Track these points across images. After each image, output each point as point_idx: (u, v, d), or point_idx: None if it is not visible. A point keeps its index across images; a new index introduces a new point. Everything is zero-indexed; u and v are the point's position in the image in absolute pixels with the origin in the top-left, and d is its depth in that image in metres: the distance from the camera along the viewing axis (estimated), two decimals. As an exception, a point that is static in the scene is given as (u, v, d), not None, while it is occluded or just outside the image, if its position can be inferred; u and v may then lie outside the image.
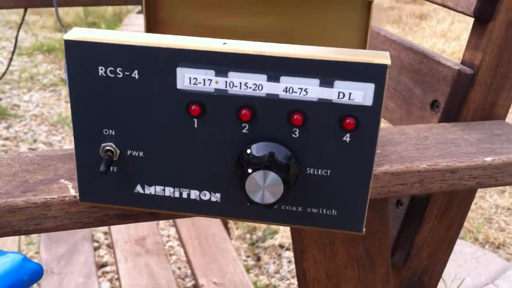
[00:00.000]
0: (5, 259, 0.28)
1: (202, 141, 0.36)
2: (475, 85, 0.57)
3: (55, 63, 3.08)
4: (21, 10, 1.17)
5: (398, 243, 0.63)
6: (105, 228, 1.78)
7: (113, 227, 1.16)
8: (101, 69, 0.34)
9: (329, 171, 0.36)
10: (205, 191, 0.37)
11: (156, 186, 0.38)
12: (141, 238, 1.12)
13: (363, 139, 0.34)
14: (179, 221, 1.16)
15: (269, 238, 1.81)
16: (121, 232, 1.13)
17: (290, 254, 1.75)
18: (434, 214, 0.62)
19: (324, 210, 0.37)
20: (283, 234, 1.82)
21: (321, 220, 0.37)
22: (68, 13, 3.61)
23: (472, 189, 0.61)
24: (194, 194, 0.38)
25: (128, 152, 0.37)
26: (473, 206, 2.04)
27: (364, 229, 0.38)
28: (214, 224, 1.15)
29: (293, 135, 0.35)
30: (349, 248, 0.53)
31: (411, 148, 0.51)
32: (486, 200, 2.10)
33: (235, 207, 0.37)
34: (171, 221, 1.85)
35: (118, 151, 0.37)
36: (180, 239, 1.12)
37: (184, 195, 0.38)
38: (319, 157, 0.35)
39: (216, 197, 0.37)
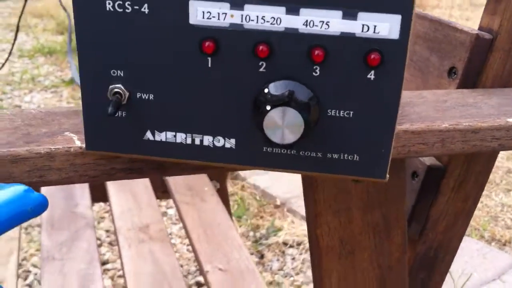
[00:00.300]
0: (7, 189, 0.26)
1: (216, 81, 0.34)
2: (493, 51, 0.55)
3: (56, 65, 3.06)
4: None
5: (413, 215, 0.60)
6: (107, 226, 1.76)
7: (116, 215, 1.14)
8: (109, 3, 0.32)
9: (351, 112, 0.34)
10: (219, 137, 0.35)
11: (167, 132, 0.35)
12: (145, 225, 1.10)
13: (389, 76, 0.32)
14: (184, 210, 1.14)
15: (272, 236, 1.79)
16: (124, 220, 1.11)
17: (293, 251, 1.73)
18: (450, 186, 0.60)
19: (346, 155, 0.35)
20: (287, 231, 1.80)
21: (342, 167, 0.35)
22: (70, 15, 3.60)
23: (491, 159, 0.59)
24: (207, 140, 0.35)
25: (138, 94, 0.35)
26: (479, 205, 2.02)
27: (388, 176, 0.35)
28: (219, 214, 1.13)
29: (313, 73, 0.33)
30: (365, 214, 0.50)
31: (430, 109, 0.49)
32: (492, 199, 2.08)
33: (251, 153, 0.35)
34: (176, 213, 1.83)
35: (127, 93, 0.34)
36: (185, 227, 1.10)
37: (197, 141, 0.35)
38: (341, 97, 0.33)
39: (230, 143, 0.35)
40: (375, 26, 0.31)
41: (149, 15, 0.32)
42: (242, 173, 2.10)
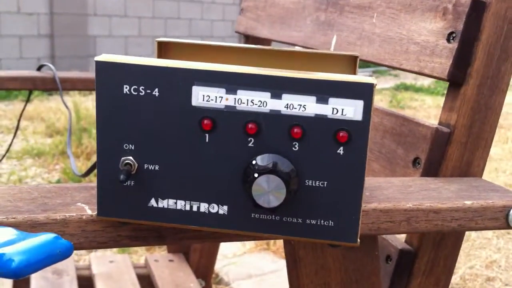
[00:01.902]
0: (40, 236, 0.31)
1: (212, 155, 0.40)
2: (451, 143, 0.62)
3: (44, 166, 3.12)
4: (13, 116, 1.23)
5: (388, 297, 0.65)
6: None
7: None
8: (126, 87, 0.39)
9: (325, 182, 0.40)
10: (213, 204, 0.41)
11: (169, 200, 0.41)
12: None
13: (355, 151, 0.39)
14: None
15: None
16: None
17: None
18: (422, 269, 0.65)
19: (322, 221, 0.40)
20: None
21: (319, 232, 0.41)
22: (60, 118, 3.72)
23: (457, 243, 0.65)
24: (203, 207, 0.41)
25: (145, 165, 0.41)
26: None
27: (358, 240, 0.41)
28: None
29: (293, 148, 0.39)
30: (342, 289, 0.55)
31: (397, 192, 0.55)
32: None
33: (241, 219, 0.41)
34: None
35: (136, 165, 0.41)
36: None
37: (194, 208, 0.41)
38: (316, 169, 0.40)
39: (223, 209, 0.41)
40: (342, 109, 0.38)
41: (159, 97, 0.39)
42: (225, 277, 2.10)
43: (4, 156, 1.31)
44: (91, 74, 1.23)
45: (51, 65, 1.14)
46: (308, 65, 0.54)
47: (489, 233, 2.44)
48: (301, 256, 0.53)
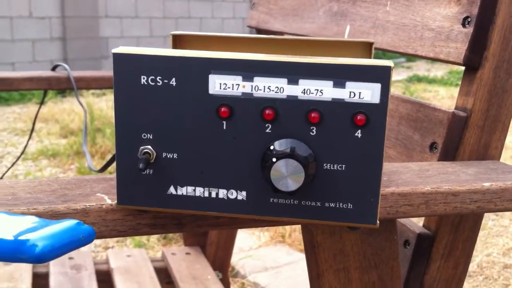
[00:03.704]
0: (63, 222, 0.32)
1: (229, 141, 0.40)
2: (468, 127, 0.62)
3: (59, 166, 3.14)
4: (28, 118, 1.24)
5: (408, 283, 0.65)
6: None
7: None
8: (143, 78, 0.40)
9: (343, 165, 0.40)
10: (232, 190, 0.41)
11: (188, 187, 0.42)
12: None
13: (372, 134, 0.39)
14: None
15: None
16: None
17: None
18: (440, 253, 0.64)
19: (341, 204, 0.41)
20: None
21: (338, 215, 0.41)
22: (74, 120, 3.75)
23: (475, 227, 0.65)
24: (222, 193, 0.41)
25: (164, 154, 0.41)
26: None
27: (378, 222, 0.41)
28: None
29: (310, 133, 0.40)
30: (362, 275, 0.55)
31: (414, 177, 0.55)
32: None
33: (260, 204, 0.41)
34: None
35: (155, 154, 0.41)
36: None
37: (213, 194, 0.41)
38: (334, 153, 0.40)
39: (242, 195, 0.41)
40: (359, 93, 0.39)
41: (176, 87, 0.40)
42: (242, 270, 2.11)
43: (19, 157, 1.32)
44: (105, 72, 1.24)
45: (65, 65, 1.15)
46: (323, 53, 0.54)
47: (505, 221, 2.43)
48: (319, 241, 0.53)
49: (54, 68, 1.19)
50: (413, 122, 0.67)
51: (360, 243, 0.54)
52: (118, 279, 1.23)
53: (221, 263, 1.32)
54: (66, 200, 0.44)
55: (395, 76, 6.29)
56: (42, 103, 1.20)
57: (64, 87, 1.10)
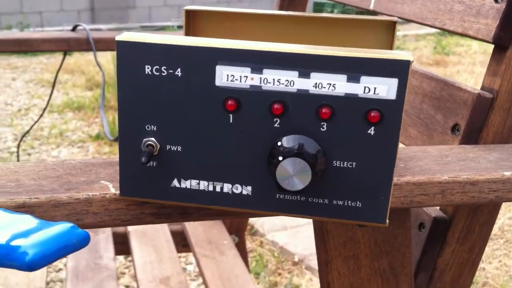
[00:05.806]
0: (56, 225, 0.31)
1: (236, 135, 0.39)
2: (494, 109, 0.59)
3: (84, 120, 3.17)
4: (54, 69, 1.23)
5: (420, 266, 0.63)
6: (126, 281, 1.79)
7: (138, 267, 1.18)
8: (148, 68, 0.38)
9: (354, 163, 0.38)
10: (237, 184, 0.40)
11: (192, 180, 0.40)
12: (166, 277, 1.13)
13: (387, 132, 0.37)
14: (203, 263, 1.18)
15: (291, 292, 1.79)
16: (145, 272, 1.15)
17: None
18: (456, 237, 0.63)
19: (350, 202, 0.39)
20: (306, 288, 1.81)
21: (346, 212, 0.39)
22: (99, 72, 3.75)
23: (494, 211, 0.62)
24: (227, 187, 0.40)
25: (168, 146, 0.40)
26: (497, 264, 2.01)
27: (387, 221, 0.39)
28: (237, 267, 1.16)
29: (321, 128, 0.38)
30: (372, 261, 0.54)
31: (432, 163, 0.53)
32: (511, 258, 2.06)
33: (265, 200, 0.40)
34: (194, 270, 1.86)
35: (158, 146, 0.40)
36: (203, 279, 1.13)
37: (218, 188, 0.40)
38: (345, 150, 0.38)
39: (247, 190, 0.40)
40: (375, 88, 0.36)
41: (182, 78, 0.38)
42: (261, 229, 2.12)
43: (45, 110, 1.33)
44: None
45: (85, 26, 1.14)
46: (344, 33, 0.51)
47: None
48: (329, 229, 0.52)
49: (74, 28, 1.17)
50: (437, 101, 0.64)
51: (372, 230, 0.53)
52: (134, 242, 1.25)
53: (238, 227, 1.33)
54: (69, 188, 0.43)
55: (428, 28, 6.10)
56: (62, 63, 1.19)
57: (83, 48, 1.09)
